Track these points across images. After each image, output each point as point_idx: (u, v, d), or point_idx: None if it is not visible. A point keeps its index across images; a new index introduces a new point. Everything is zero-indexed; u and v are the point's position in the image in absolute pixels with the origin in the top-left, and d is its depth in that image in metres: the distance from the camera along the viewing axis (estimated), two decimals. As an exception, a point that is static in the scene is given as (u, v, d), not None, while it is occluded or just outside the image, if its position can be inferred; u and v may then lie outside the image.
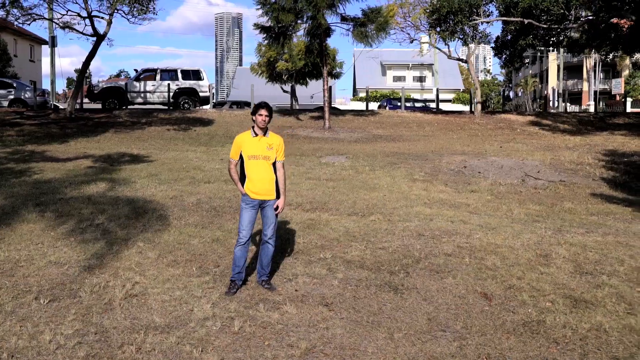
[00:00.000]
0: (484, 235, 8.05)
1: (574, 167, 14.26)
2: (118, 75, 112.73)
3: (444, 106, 53.30)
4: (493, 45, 28.56)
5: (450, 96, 65.11)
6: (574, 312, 5.50)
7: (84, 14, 22.15)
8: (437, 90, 36.14)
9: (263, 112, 5.77)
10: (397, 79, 74.64)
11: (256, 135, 5.84)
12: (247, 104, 37.78)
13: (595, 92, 62.45)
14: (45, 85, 52.69)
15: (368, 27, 20.81)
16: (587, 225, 8.97)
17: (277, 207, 5.92)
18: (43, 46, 51.12)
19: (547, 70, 71.10)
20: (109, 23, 22.28)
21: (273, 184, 5.84)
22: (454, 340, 4.88)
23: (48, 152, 13.90)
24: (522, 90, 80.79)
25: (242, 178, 5.88)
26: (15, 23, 24.28)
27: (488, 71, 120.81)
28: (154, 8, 19.92)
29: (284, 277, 6.34)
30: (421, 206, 9.80)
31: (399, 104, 44.38)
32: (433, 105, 49.22)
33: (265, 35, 20.86)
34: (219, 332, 4.91)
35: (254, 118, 5.82)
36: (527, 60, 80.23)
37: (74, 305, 5.35)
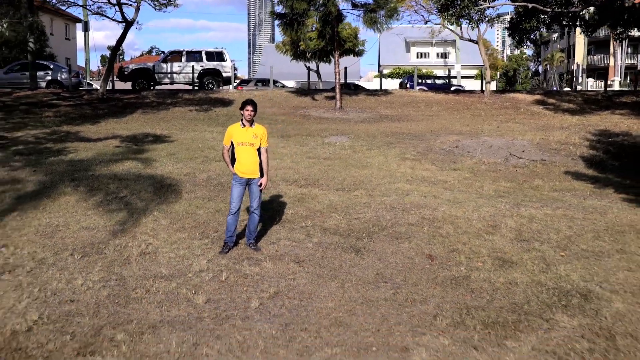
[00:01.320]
0: (448, 208, 9.29)
1: (559, 146, 15.27)
2: (149, 52, 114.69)
3: (466, 82, 53.60)
4: (507, 26, 29.22)
5: (474, 72, 65.33)
6: (497, 271, 6.77)
7: (114, 1, 23.63)
8: (449, 70, 36.77)
9: (249, 107, 7.09)
10: (421, 55, 74.72)
11: (244, 126, 7.16)
12: (275, 83, 39.03)
13: (621, 67, 62.01)
14: (80, 62, 54.52)
15: (378, 12, 21.83)
16: (544, 200, 10.13)
17: (261, 184, 7.27)
18: (77, 24, 52.89)
19: (574, 45, 70.40)
20: (137, 9, 23.70)
21: (257, 166, 7.18)
22: (391, 289, 6.21)
23: (81, 133, 15.46)
24: (549, 65, 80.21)
25: (233, 160, 7.23)
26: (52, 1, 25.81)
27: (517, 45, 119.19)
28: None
29: (269, 240, 7.72)
30: (403, 183, 11.06)
31: (420, 81, 45.12)
32: (455, 82, 49.70)
33: (280, 21, 22.10)
34: (210, 280, 6.33)
35: (242, 112, 7.15)
36: (544, 37, 79.18)
37: (100, 260, 6.82)
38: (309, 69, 46.68)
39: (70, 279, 6.20)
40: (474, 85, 47.11)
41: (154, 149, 13.37)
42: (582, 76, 58.30)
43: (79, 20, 47.94)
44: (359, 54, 52.91)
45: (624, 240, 7.89)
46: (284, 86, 38.41)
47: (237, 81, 38.69)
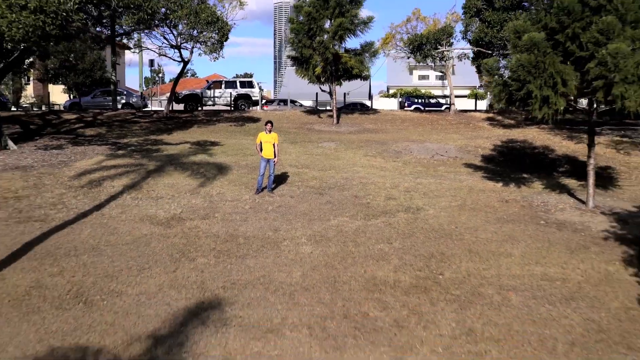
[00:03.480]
0: (377, 178, 16.25)
1: (472, 149, 22.07)
2: (185, 73, 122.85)
3: (459, 101, 59.95)
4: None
5: (467, 92, 71.79)
6: (385, 201, 13.71)
7: (175, 45, 30.98)
8: (432, 94, 43.29)
9: (269, 124, 14.17)
10: (422, 77, 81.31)
11: (267, 133, 14.23)
12: (293, 102, 46.08)
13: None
14: (128, 83, 62.34)
15: (364, 55, 28.88)
16: (435, 176, 17.03)
17: (275, 162, 14.31)
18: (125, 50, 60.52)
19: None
20: (191, 52, 30.99)
21: (272, 152, 14.22)
22: (331, 205, 13.21)
23: (163, 140, 22.63)
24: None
25: (260, 150, 14.29)
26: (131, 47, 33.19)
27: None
28: (222, 50, 28.12)
29: (279, 190, 14.75)
30: (358, 167, 18.04)
31: (417, 100, 51.57)
32: (445, 101, 55.88)
33: (293, 62, 29.25)
34: (250, 202, 13.38)
35: (265, 126, 14.23)
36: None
37: (199, 196, 13.92)
38: (322, 90, 53.57)
39: (189, 201, 13.31)
40: (467, 104, 52.53)
41: (212, 149, 20.49)
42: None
43: (128, 48, 55.72)
44: (365, 78, 59.80)
45: (460, 192, 14.81)
46: (301, 105, 45.40)
47: (264, 100, 45.79)
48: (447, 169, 18.39)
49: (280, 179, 15.70)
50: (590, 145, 13.94)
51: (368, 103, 62.35)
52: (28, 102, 42.58)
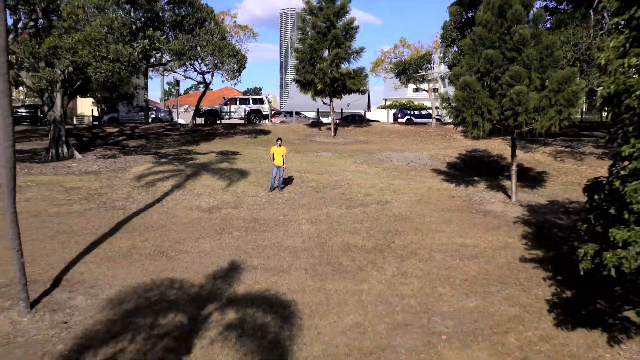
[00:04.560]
0: (361, 180, 20.63)
1: (441, 157, 26.41)
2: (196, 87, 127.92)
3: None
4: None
5: (456, 103, 75.83)
6: (364, 196, 18.12)
7: (199, 70, 35.49)
8: (424, 106, 47.54)
9: (279, 141, 18.63)
10: (416, 90, 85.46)
11: (278, 146, 18.67)
12: (298, 114, 50.42)
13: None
14: (150, 95, 66.83)
15: (357, 79, 33.31)
16: (406, 178, 21.39)
17: (283, 168, 18.75)
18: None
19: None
20: (212, 75, 35.50)
21: (282, 161, 18.64)
22: (324, 203, 17.61)
23: (194, 150, 27.06)
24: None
25: (272, 159, 18.73)
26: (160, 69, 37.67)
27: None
28: (240, 76, 32.41)
29: (287, 189, 19.15)
30: (348, 172, 22.42)
31: (409, 112, 55.77)
32: (437, 112, 59.95)
33: (297, 84, 33.71)
34: (266, 197, 17.81)
35: (276, 141, 18.69)
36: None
37: (227, 193, 18.36)
38: (325, 103, 57.82)
39: (221, 196, 17.76)
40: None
41: (234, 157, 24.92)
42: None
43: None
44: (363, 92, 64.17)
45: (420, 190, 19.19)
46: (305, 117, 49.69)
47: (273, 112, 50.15)
48: (416, 174, 22.75)
49: (287, 181, 20.08)
50: (513, 155, 18.33)
51: (366, 114, 66.67)
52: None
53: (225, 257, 12.49)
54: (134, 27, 19.07)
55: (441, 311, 10.45)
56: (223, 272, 11.72)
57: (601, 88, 8.22)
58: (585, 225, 8.99)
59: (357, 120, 47.43)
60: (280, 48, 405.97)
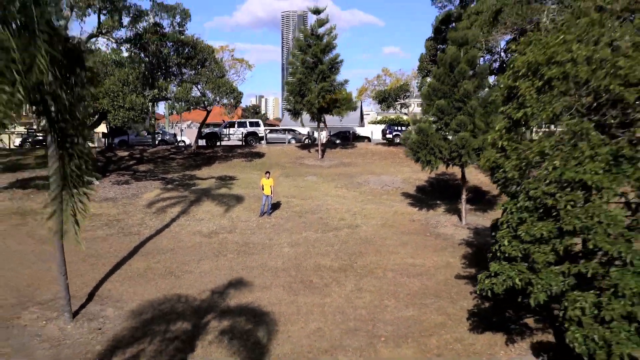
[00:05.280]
0: (338, 205, 23.60)
1: (412, 181, 29.39)
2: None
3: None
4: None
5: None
6: (339, 221, 21.12)
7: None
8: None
9: (267, 174, 21.65)
10: (404, 106, 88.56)
11: (266, 178, 21.68)
12: (293, 130, 53.28)
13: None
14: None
15: (341, 107, 36.37)
16: (377, 203, 24.37)
17: (271, 197, 21.75)
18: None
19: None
20: (211, 105, 38.47)
21: (270, 191, 21.63)
22: (304, 227, 20.60)
23: (196, 175, 30.03)
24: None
25: (262, 189, 21.73)
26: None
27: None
28: (236, 109, 35.18)
29: (274, 214, 22.12)
30: (328, 197, 25.40)
31: (397, 128, 58.69)
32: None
33: (288, 112, 36.80)
34: (256, 221, 20.80)
35: (264, 174, 21.70)
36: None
37: (224, 218, 21.35)
38: (308, 133, 60.11)
39: (219, 221, 20.75)
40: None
41: (231, 182, 27.89)
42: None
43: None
44: (353, 109, 67.23)
45: (387, 214, 22.16)
46: (300, 133, 52.26)
47: (268, 129, 52.45)
48: (388, 197, 25.74)
49: (275, 206, 23.04)
50: (463, 184, 21.34)
51: (358, 129, 69.24)
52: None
53: (221, 277, 15.48)
54: (145, 79, 22.09)
55: (384, 319, 13.43)
56: (219, 289, 14.70)
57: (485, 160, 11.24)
58: (490, 255, 11.97)
59: (347, 136, 50.14)
60: (282, 50, 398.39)
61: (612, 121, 9.97)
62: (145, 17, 28.03)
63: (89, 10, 20.16)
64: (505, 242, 10.26)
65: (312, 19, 35.73)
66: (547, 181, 9.75)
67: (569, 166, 9.49)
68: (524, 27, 23.05)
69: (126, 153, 36.73)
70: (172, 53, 27.12)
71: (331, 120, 68.18)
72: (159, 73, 24.70)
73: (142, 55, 26.67)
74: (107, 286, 14.82)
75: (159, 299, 14.08)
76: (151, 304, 13.81)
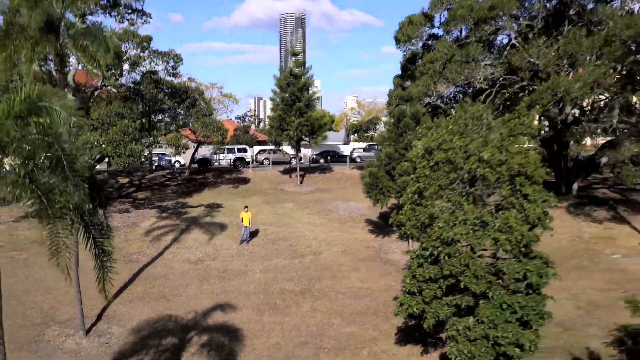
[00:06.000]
0: (308, 232, 26.97)
1: (376, 207, 32.78)
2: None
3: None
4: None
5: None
6: (306, 247, 24.52)
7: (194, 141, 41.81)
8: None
9: (246, 208, 25.03)
10: (386, 124, 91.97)
11: (245, 211, 25.06)
12: (280, 150, 56.49)
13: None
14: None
15: (316, 137, 39.87)
16: (341, 230, 27.79)
17: (249, 228, 25.12)
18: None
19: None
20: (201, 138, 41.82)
21: (248, 222, 25.00)
22: (276, 254, 23.98)
23: (188, 203, 33.27)
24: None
25: (242, 220, 25.10)
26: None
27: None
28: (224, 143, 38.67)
29: (252, 242, 25.47)
30: (301, 224, 28.76)
31: (376, 147, 62.02)
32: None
33: (271, 143, 40.30)
34: (236, 249, 24.16)
35: (244, 209, 25.08)
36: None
37: (210, 245, 24.72)
38: (290, 160, 63.64)
39: (205, 249, 24.10)
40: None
41: (218, 210, 31.19)
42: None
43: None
44: (336, 130, 70.81)
45: (348, 241, 25.59)
46: (287, 153, 54.80)
47: (258, 149, 55.17)
48: (352, 224, 29.15)
49: (253, 234, 26.33)
50: (409, 219, 24.83)
51: (342, 147, 71.64)
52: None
53: (203, 300, 18.83)
54: (142, 126, 25.51)
55: (330, 334, 16.83)
56: (202, 310, 18.05)
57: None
58: (402, 288, 15.34)
59: (332, 155, 53.08)
60: (280, 52, 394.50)
61: (481, 193, 13.49)
62: (143, 63, 31.52)
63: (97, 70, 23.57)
64: (407, 281, 13.72)
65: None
66: (434, 238, 13.22)
67: (448, 228, 12.98)
68: (458, 83, 26.57)
69: (126, 180, 39.97)
70: (166, 98, 30.51)
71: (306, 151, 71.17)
72: (154, 116, 28.10)
73: (140, 99, 30.10)
74: (112, 308, 18.14)
75: (153, 319, 17.41)
76: (147, 323, 17.14)
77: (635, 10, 25.83)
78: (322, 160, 50.59)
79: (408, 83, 41.62)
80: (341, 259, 23.26)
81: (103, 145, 24.25)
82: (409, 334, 16.88)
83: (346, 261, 22.96)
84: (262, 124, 77.35)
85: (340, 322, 17.56)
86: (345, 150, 64.29)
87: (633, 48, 22.92)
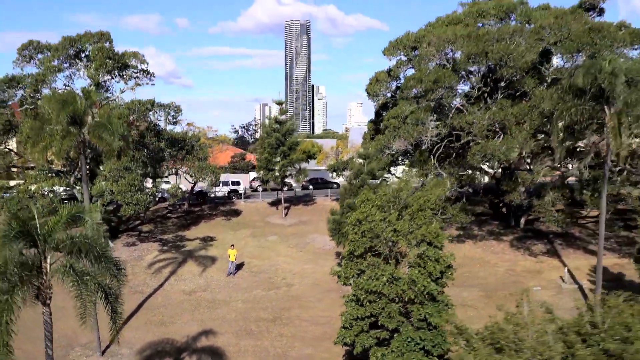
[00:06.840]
0: (285, 265, 31.19)
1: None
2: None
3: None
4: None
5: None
6: (284, 279, 28.78)
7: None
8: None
9: (232, 246, 29.32)
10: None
11: (231, 249, 29.34)
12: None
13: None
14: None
15: (299, 176, 44.24)
16: (314, 262, 31.97)
17: (235, 263, 29.38)
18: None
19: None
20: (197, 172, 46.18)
21: (234, 258, 29.25)
22: (256, 285, 28.22)
23: (185, 236, 37.40)
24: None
25: (229, 256, 29.36)
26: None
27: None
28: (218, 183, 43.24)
29: (238, 274, 29.72)
30: (280, 257, 32.95)
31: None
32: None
33: (259, 180, 44.65)
34: (224, 280, 28.41)
35: (230, 247, 29.37)
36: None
37: (199, 278, 28.95)
38: (277, 193, 68.04)
39: (197, 281, 28.35)
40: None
41: (211, 243, 35.37)
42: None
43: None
44: (316, 159, 75.31)
45: (318, 274, 29.83)
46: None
47: (253, 175, 59.33)
48: (324, 256, 33.35)
49: (239, 266, 30.50)
50: (367, 256, 29.16)
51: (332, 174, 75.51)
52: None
53: (194, 326, 23.07)
54: (145, 175, 29.93)
55: (292, 356, 21.05)
56: (193, 335, 22.28)
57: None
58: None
59: (319, 182, 57.17)
60: (285, 58, 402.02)
61: (396, 255, 17.84)
62: (147, 116, 35.99)
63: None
64: (343, 318, 18.02)
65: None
66: (360, 287, 17.54)
67: (370, 281, 17.30)
68: (411, 142, 30.95)
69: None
70: (166, 147, 34.97)
71: (309, 164, 75.93)
72: (157, 164, 32.54)
73: (144, 149, 34.57)
74: (122, 333, 22.33)
75: (155, 342, 21.64)
76: (150, 345, 21.37)
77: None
78: (311, 187, 54.34)
79: (381, 126, 46.23)
80: (310, 290, 27.50)
81: (114, 194, 28.59)
82: (352, 355, 21.06)
83: (314, 293, 27.20)
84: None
85: (301, 345, 21.78)
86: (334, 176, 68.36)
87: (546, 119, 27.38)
